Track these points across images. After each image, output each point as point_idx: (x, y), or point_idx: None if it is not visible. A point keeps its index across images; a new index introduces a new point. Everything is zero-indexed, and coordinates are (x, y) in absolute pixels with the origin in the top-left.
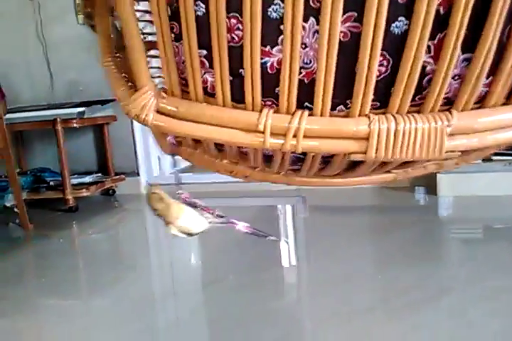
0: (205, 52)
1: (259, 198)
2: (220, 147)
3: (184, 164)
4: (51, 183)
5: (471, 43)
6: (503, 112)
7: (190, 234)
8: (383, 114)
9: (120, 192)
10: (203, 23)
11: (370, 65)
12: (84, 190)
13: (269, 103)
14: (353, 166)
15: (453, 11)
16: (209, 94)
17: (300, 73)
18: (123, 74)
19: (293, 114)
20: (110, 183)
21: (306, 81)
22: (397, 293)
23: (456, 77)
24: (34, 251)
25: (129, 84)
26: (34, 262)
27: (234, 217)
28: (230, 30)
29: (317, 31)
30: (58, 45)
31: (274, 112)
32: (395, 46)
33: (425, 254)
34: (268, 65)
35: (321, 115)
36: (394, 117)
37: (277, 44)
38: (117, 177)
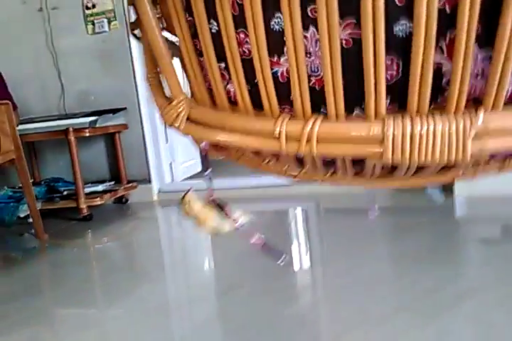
0: (223, 65)
1: (274, 203)
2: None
3: (193, 170)
4: (65, 193)
5: (488, 39)
6: None
7: (218, 234)
8: (402, 116)
9: (132, 200)
10: (218, 39)
11: (376, 70)
12: (97, 199)
13: (287, 110)
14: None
15: (459, 9)
16: (233, 103)
17: (310, 81)
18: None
19: (307, 120)
20: (123, 191)
21: (317, 88)
22: (420, 296)
23: (480, 76)
24: (50, 261)
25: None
26: (50, 272)
27: (252, 229)
28: (240, 44)
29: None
30: (69, 56)
31: (291, 118)
32: (403, 50)
33: (445, 256)
34: (279, 74)
35: (337, 120)
36: (411, 120)
37: (284, 54)
38: (130, 185)
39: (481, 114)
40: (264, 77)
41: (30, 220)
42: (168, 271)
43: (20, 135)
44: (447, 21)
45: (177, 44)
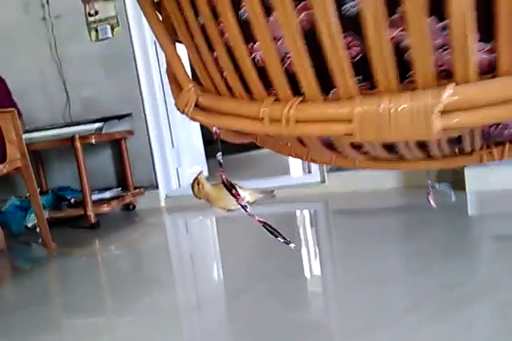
0: (215, 54)
1: (283, 205)
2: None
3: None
4: (72, 201)
5: (439, 7)
6: None
7: (229, 210)
8: (370, 95)
9: (140, 206)
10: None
11: (334, 48)
12: (105, 206)
13: (275, 92)
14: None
15: None
16: (231, 89)
17: (285, 62)
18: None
19: (286, 102)
20: (130, 197)
21: (292, 70)
22: (436, 292)
23: (444, 47)
24: (58, 269)
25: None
26: (59, 280)
27: (258, 216)
28: (221, 34)
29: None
30: (73, 63)
31: (275, 101)
32: (358, 28)
33: (460, 252)
34: (256, 59)
35: (314, 100)
36: (378, 98)
37: (255, 41)
38: (137, 191)
39: (448, 88)
40: (244, 63)
41: (38, 229)
42: (177, 276)
43: (26, 144)
44: None
45: None
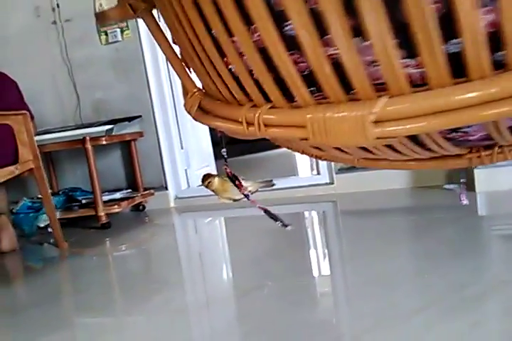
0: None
1: (291, 205)
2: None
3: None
4: (83, 201)
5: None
6: (447, 93)
7: (235, 200)
8: (321, 104)
9: (150, 207)
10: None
11: (282, 63)
12: (115, 206)
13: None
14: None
15: (322, 7)
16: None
17: (253, 74)
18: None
19: (258, 108)
20: (140, 198)
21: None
22: (446, 291)
23: (374, 63)
24: (70, 269)
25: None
26: (70, 280)
27: (259, 203)
28: (203, 48)
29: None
30: (83, 66)
31: (253, 106)
32: (298, 46)
33: (470, 252)
34: (233, 70)
35: (281, 107)
36: (326, 106)
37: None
38: (146, 192)
39: (381, 99)
40: (223, 74)
41: (50, 230)
42: (187, 276)
43: (38, 146)
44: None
45: None
